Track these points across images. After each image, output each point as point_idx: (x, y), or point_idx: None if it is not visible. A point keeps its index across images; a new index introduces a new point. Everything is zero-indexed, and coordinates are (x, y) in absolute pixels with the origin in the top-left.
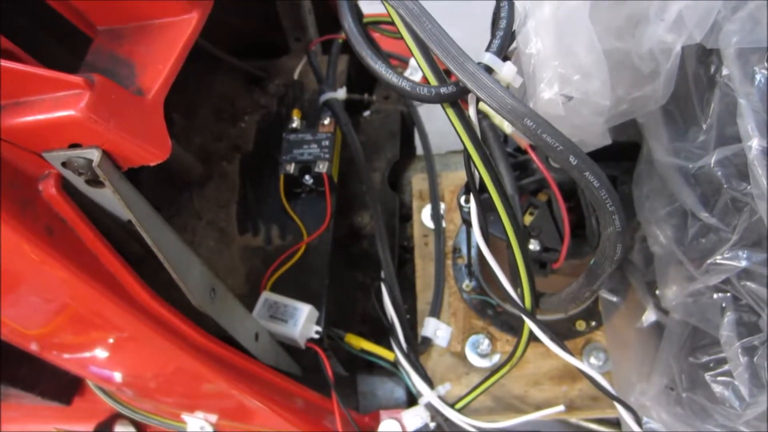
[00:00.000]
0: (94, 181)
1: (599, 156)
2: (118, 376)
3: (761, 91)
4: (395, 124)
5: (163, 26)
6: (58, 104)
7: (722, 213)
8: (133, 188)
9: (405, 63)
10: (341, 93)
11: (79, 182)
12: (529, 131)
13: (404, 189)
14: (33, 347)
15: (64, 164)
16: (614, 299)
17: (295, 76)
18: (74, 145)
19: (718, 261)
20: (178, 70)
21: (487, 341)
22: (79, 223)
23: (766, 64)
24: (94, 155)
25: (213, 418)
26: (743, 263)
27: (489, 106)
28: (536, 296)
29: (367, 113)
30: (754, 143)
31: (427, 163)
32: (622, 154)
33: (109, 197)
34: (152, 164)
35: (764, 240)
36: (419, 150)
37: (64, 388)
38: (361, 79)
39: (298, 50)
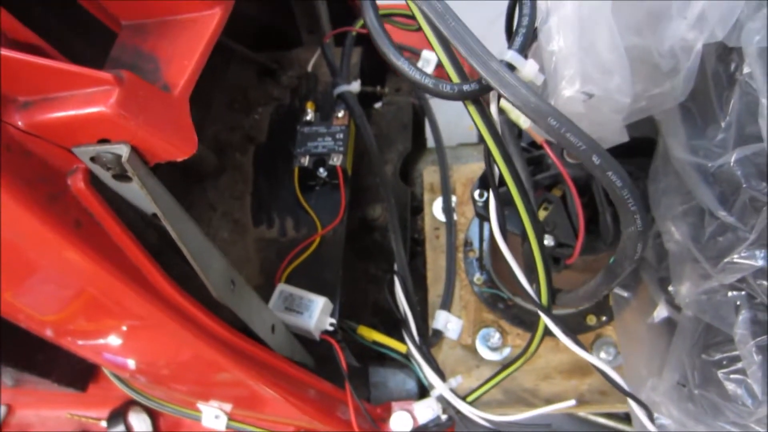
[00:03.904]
0: (122, 176)
1: (613, 152)
2: (137, 365)
3: None
4: (407, 117)
5: (186, 21)
6: (89, 100)
7: (740, 212)
8: (159, 183)
9: (417, 55)
10: (355, 86)
11: (106, 177)
12: (552, 130)
13: (415, 181)
14: (56, 336)
15: (92, 159)
16: (625, 295)
17: (309, 68)
18: (103, 141)
19: (735, 260)
20: (202, 66)
21: (497, 335)
22: (106, 216)
23: None
24: (123, 151)
25: (227, 406)
26: (760, 262)
27: (512, 104)
28: (553, 292)
29: (378, 105)
30: None
31: (438, 155)
32: (635, 149)
33: (136, 191)
34: (179, 159)
35: None
36: (430, 142)
37: (79, 374)
38: (373, 71)
39: (310, 42)
